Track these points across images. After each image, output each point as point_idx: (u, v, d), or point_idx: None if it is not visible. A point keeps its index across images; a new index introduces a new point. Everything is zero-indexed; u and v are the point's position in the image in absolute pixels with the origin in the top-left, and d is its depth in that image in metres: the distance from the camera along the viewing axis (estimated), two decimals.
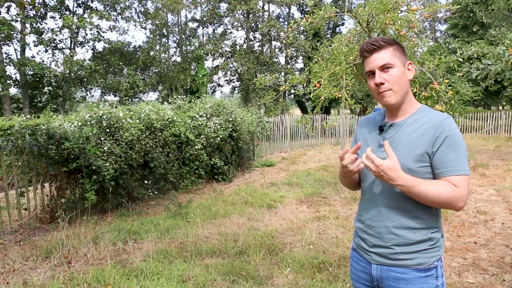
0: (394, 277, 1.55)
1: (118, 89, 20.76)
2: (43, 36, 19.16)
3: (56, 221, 5.42)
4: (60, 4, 19.86)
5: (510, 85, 15.37)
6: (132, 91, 21.14)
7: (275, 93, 6.32)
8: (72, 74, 19.13)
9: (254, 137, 11.91)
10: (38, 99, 20.59)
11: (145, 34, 36.47)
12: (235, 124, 9.38)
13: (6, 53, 18.80)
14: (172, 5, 21.89)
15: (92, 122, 6.23)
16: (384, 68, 1.51)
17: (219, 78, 28.80)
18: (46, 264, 4.06)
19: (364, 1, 5.46)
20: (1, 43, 17.62)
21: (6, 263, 4.06)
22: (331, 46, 5.92)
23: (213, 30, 27.99)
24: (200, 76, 22.75)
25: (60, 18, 19.75)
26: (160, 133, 7.17)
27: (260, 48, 27.56)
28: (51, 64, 19.72)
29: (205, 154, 8.16)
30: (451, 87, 4.92)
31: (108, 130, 6.28)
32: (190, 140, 7.96)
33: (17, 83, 19.05)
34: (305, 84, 6.18)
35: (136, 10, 23.99)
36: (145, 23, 24.27)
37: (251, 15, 25.58)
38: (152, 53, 23.55)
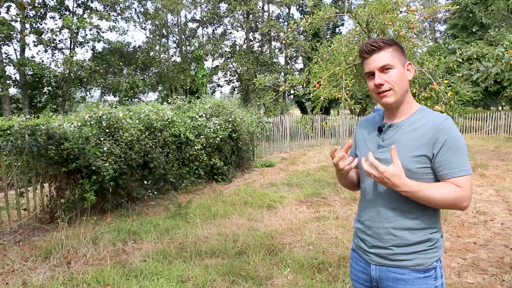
0: (393, 277, 1.55)
1: (118, 89, 20.76)
2: (42, 36, 19.16)
3: (55, 222, 5.42)
4: (60, 4, 19.86)
5: (509, 85, 15.37)
6: (131, 91, 21.13)
7: (274, 94, 6.33)
8: (71, 75, 19.12)
9: (254, 138, 11.91)
10: (38, 99, 20.58)
11: (145, 34, 36.52)
12: (235, 124, 9.38)
13: (5, 53, 18.81)
14: (172, 5, 21.89)
15: (92, 122, 6.23)
16: (384, 69, 1.51)
17: (219, 79, 28.81)
18: (46, 265, 4.06)
19: (364, 1, 5.46)
20: (0, 43, 17.61)
21: (6, 264, 4.06)
22: (330, 46, 5.92)
23: (213, 30, 28.02)
24: (200, 76, 22.75)
25: (60, 18, 19.75)
26: (159, 134, 7.17)
27: (259, 48, 27.56)
28: (50, 64, 19.72)
29: (204, 155, 8.16)
30: (450, 88, 4.92)
31: (107, 130, 6.28)
32: (190, 141, 7.96)
33: (16, 83, 19.05)
34: (304, 85, 6.18)
35: (135, 10, 24.01)
36: (144, 23, 24.28)
37: (251, 16, 25.58)
38: (151, 53, 23.55)
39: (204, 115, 8.96)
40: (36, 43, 19.03)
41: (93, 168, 5.61)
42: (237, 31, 27.74)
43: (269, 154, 13.92)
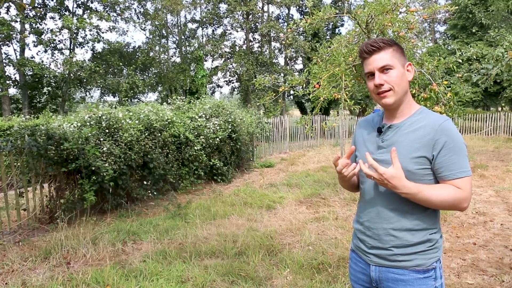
0: (392, 278, 1.55)
1: (118, 89, 20.77)
2: (42, 36, 19.16)
3: (55, 222, 5.41)
4: (60, 5, 19.86)
5: (509, 86, 15.38)
6: (131, 91, 21.15)
7: (274, 94, 6.33)
8: (71, 75, 19.13)
9: (254, 138, 11.91)
10: (38, 100, 20.59)
11: (145, 35, 36.53)
12: (235, 125, 9.38)
13: (5, 53, 18.81)
14: (171, 6, 21.91)
15: (92, 122, 6.23)
16: (384, 69, 1.51)
17: (219, 79, 28.84)
18: (45, 265, 4.06)
19: (364, 2, 5.46)
20: (0, 43, 17.61)
21: (5, 264, 4.05)
22: (330, 47, 5.93)
23: (213, 31, 28.06)
24: (200, 77, 22.77)
25: (59, 18, 19.76)
26: (159, 134, 7.17)
27: (259, 49, 27.59)
28: (50, 64, 19.73)
29: (204, 155, 8.16)
30: (450, 89, 4.92)
31: (107, 130, 6.28)
32: (190, 141, 7.96)
33: (16, 83, 19.05)
34: (304, 85, 6.18)
35: (135, 11, 24.03)
36: (144, 24, 24.30)
37: (250, 16, 25.61)
38: (151, 53, 23.58)
39: (203, 115, 8.96)
40: (36, 44, 19.04)
41: (93, 168, 5.61)
42: (237, 31, 27.79)
43: (269, 154, 13.92)
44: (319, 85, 5.49)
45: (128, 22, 23.36)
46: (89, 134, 5.79)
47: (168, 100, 10.21)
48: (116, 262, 4.11)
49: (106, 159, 5.87)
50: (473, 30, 22.07)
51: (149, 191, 6.87)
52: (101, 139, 6.02)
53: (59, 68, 19.45)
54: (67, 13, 20.21)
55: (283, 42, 22.69)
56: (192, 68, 24.43)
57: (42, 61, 19.91)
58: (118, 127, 6.36)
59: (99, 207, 6.06)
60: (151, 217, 5.98)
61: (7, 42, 18.28)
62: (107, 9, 21.56)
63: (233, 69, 26.81)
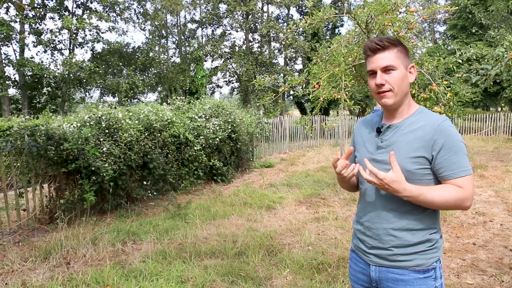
0: (392, 278, 1.55)
1: (118, 90, 20.77)
2: (42, 37, 19.16)
3: (55, 222, 5.41)
4: (59, 5, 19.86)
5: (509, 86, 15.37)
6: (131, 92, 21.16)
7: (274, 94, 6.33)
8: (71, 75, 19.13)
9: (253, 138, 11.91)
10: (37, 100, 20.59)
11: (144, 35, 36.52)
12: (234, 125, 9.38)
13: (5, 53, 18.83)
14: (171, 6, 21.91)
15: (91, 123, 6.23)
16: (386, 69, 1.51)
17: (218, 79, 28.86)
18: (45, 265, 4.06)
19: (363, 2, 5.47)
20: (0, 43, 17.61)
21: (5, 264, 4.05)
22: (330, 47, 5.93)
23: (212, 31, 28.06)
24: (199, 77, 22.77)
25: (59, 19, 19.76)
26: (159, 134, 7.17)
27: (259, 49, 27.60)
28: (50, 65, 19.72)
29: (204, 155, 8.15)
30: (450, 89, 4.93)
31: (107, 131, 6.28)
32: (189, 141, 7.96)
33: (16, 83, 19.05)
34: (304, 85, 6.18)
35: (135, 11, 24.04)
36: (144, 24, 24.30)
37: (250, 16, 25.62)
38: (151, 54, 23.58)
39: (203, 115, 8.96)
40: (35, 44, 19.04)
41: (93, 168, 5.61)
42: (237, 31, 27.80)
43: (269, 154, 13.93)
44: (319, 85, 5.49)
45: (127, 22, 23.39)
46: (89, 135, 5.79)
47: (168, 100, 10.21)
48: (116, 262, 4.11)
49: (106, 159, 5.87)
50: (473, 30, 22.07)
51: (149, 191, 6.87)
52: (101, 139, 6.02)
53: (58, 69, 19.46)
54: (66, 13, 20.21)
55: (283, 42, 22.69)
56: (191, 69, 24.44)
57: (42, 62, 19.93)
58: (117, 127, 6.36)
59: (99, 207, 6.06)
60: (151, 217, 5.98)
61: (7, 43, 18.28)
62: (107, 9, 21.57)
63: (232, 70, 26.82)
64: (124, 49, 22.98)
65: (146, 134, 6.84)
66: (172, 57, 26.93)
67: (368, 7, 5.09)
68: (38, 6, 18.95)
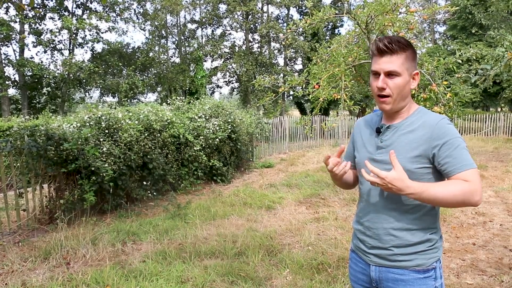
0: (392, 278, 1.55)
1: (117, 90, 20.78)
2: (42, 37, 19.16)
3: (55, 222, 5.41)
4: (59, 5, 19.86)
5: (508, 86, 15.38)
6: (131, 92, 21.16)
7: (274, 95, 6.33)
8: (71, 75, 19.13)
9: (253, 138, 11.92)
10: (37, 100, 20.60)
11: (144, 35, 36.52)
12: (234, 125, 9.38)
13: (5, 53, 18.87)
14: (171, 6, 21.92)
15: (91, 123, 6.23)
16: (390, 74, 1.49)
17: (218, 79, 28.86)
18: (45, 265, 4.06)
19: (363, 2, 5.47)
20: (0, 43, 17.61)
21: (5, 264, 4.05)
22: (330, 47, 5.93)
23: (212, 31, 28.05)
24: (199, 77, 22.77)
25: (59, 19, 19.76)
26: (159, 134, 7.17)
27: (259, 49, 27.60)
28: (50, 65, 19.72)
29: (204, 155, 8.15)
30: (449, 89, 4.93)
31: (107, 131, 6.28)
32: (189, 141, 7.96)
33: (16, 84, 19.06)
34: (304, 86, 6.19)
35: (135, 11, 24.04)
36: (144, 24, 24.30)
37: (250, 16, 25.62)
38: (151, 54, 23.58)
39: (203, 116, 8.96)
40: (35, 44, 19.04)
41: (92, 168, 5.61)
42: (236, 32, 27.81)
43: (268, 155, 13.92)
44: (319, 86, 5.50)
45: (127, 23, 23.41)
46: (89, 135, 5.79)
47: (168, 100, 10.21)
48: (115, 262, 4.11)
49: (106, 160, 5.87)
50: (473, 31, 22.07)
51: (149, 192, 6.87)
52: (101, 140, 6.02)
53: (58, 69, 19.47)
54: (66, 13, 20.21)
55: (283, 42, 22.70)
56: (191, 69, 24.44)
57: (42, 62, 19.93)
58: (117, 127, 6.36)
59: (98, 208, 6.06)
60: (151, 217, 5.98)
61: (7, 43, 18.28)
62: (107, 10, 21.57)
63: (232, 70, 26.83)
64: (124, 49, 22.98)
65: (146, 134, 6.84)
66: (172, 57, 26.95)
67: (368, 7, 5.10)
68: (38, 6, 18.96)
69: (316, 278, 3.60)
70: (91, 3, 21.04)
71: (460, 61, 5.20)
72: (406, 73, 1.50)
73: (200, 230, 5.12)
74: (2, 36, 17.15)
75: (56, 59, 20.23)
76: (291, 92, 20.92)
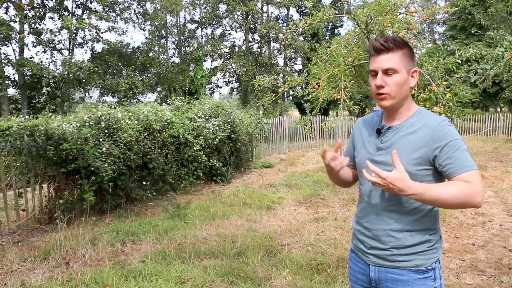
0: (392, 278, 1.55)
1: (117, 90, 20.78)
2: (41, 36, 19.15)
3: (54, 222, 5.41)
4: (59, 5, 19.86)
5: (508, 87, 15.38)
6: (131, 92, 21.15)
7: (273, 95, 6.33)
8: (70, 75, 19.12)
9: (253, 139, 11.91)
10: (37, 100, 20.58)
11: (144, 35, 36.51)
12: (234, 125, 9.38)
13: (4, 53, 18.88)
14: (171, 6, 21.92)
15: (91, 123, 6.22)
16: (388, 72, 1.49)
17: (218, 79, 28.86)
18: (44, 265, 4.05)
19: (363, 3, 5.47)
20: None
21: (4, 264, 4.05)
22: (329, 47, 5.94)
23: (212, 31, 28.05)
24: (199, 77, 22.78)
25: (59, 19, 19.76)
26: (158, 134, 7.17)
27: (259, 49, 27.60)
28: (49, 65, 19.72)
29: (203, 155, 8.15)
30: (449, 89, 4.93)
31: (106, 131, 6.27)
32: (189, 141, 7.95)
33: (15, 83, 19.05)
34: (303, 86, 6.19)
35: (135, 11, 24.04)
36: (144, 24, 24.30)
37: (250, 17, 25.62)
38: (151, 54, 23.58)
39: (203, 116, 8.96)
40: (35, 44, 19.04)
41: (92, 168, 5.61)
42: (236, 32, 27.81)
43: (268, 155, 13.92)
44: (319, 86, 5.50)
45: (127, 22, 23.41)
46: (88, 135, 5.79)
47: (168, 100, 10.21)
48: (115, 262, 4.11)
49: (105, 160, 5.86)
50: (472, 31, 22.06)
51: (148, 192, 6.87)
52: (100, 140, 6.02)
53: (58, 69, 19.46)
54: (66, 13, 20.20)
55: (283, 42, 22.71)
56: (191, 69, 24.45)
57: (41, 62, 19.92)
58: (117, 127, 6.36)
59: (98, 208, 6.06)
60: (150, 217, 5.98)
61: (6, 42, 18.27)
62: (107, 9, 21.57)
63: (232, 70, 26.82)
64: (124, 49, 22.98)
65: (146, 134, 6.83)
66: (171, 57, 26.94)
67: (368, 7, 5.10)
68: (38, 6, 18.95)
69: (316, 278, 3.60)
70: (91, 3, 21.04)
71: (460, 61, 5.20)
72: (404, 70, 1.50)
73: (200, 230, 5.12)
74: (2, 36, 17.14)
75: (56, 59, 20.24)
76: (291, 92, 20.93)
